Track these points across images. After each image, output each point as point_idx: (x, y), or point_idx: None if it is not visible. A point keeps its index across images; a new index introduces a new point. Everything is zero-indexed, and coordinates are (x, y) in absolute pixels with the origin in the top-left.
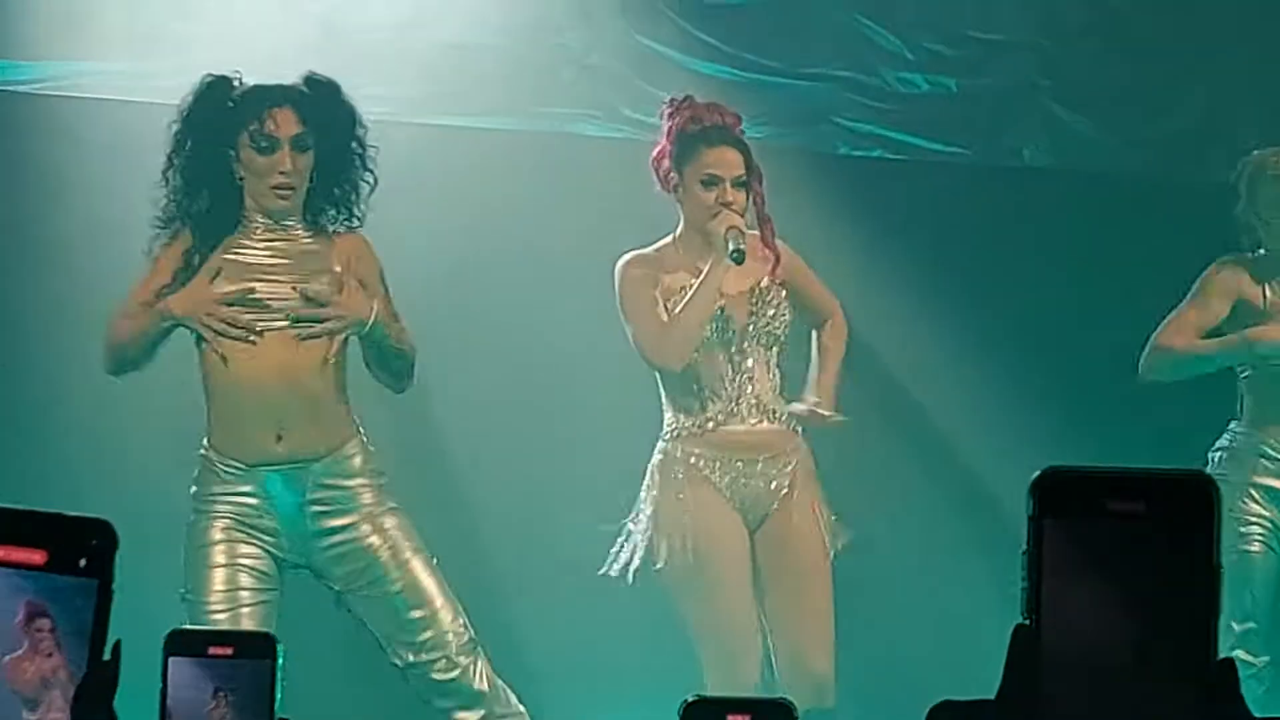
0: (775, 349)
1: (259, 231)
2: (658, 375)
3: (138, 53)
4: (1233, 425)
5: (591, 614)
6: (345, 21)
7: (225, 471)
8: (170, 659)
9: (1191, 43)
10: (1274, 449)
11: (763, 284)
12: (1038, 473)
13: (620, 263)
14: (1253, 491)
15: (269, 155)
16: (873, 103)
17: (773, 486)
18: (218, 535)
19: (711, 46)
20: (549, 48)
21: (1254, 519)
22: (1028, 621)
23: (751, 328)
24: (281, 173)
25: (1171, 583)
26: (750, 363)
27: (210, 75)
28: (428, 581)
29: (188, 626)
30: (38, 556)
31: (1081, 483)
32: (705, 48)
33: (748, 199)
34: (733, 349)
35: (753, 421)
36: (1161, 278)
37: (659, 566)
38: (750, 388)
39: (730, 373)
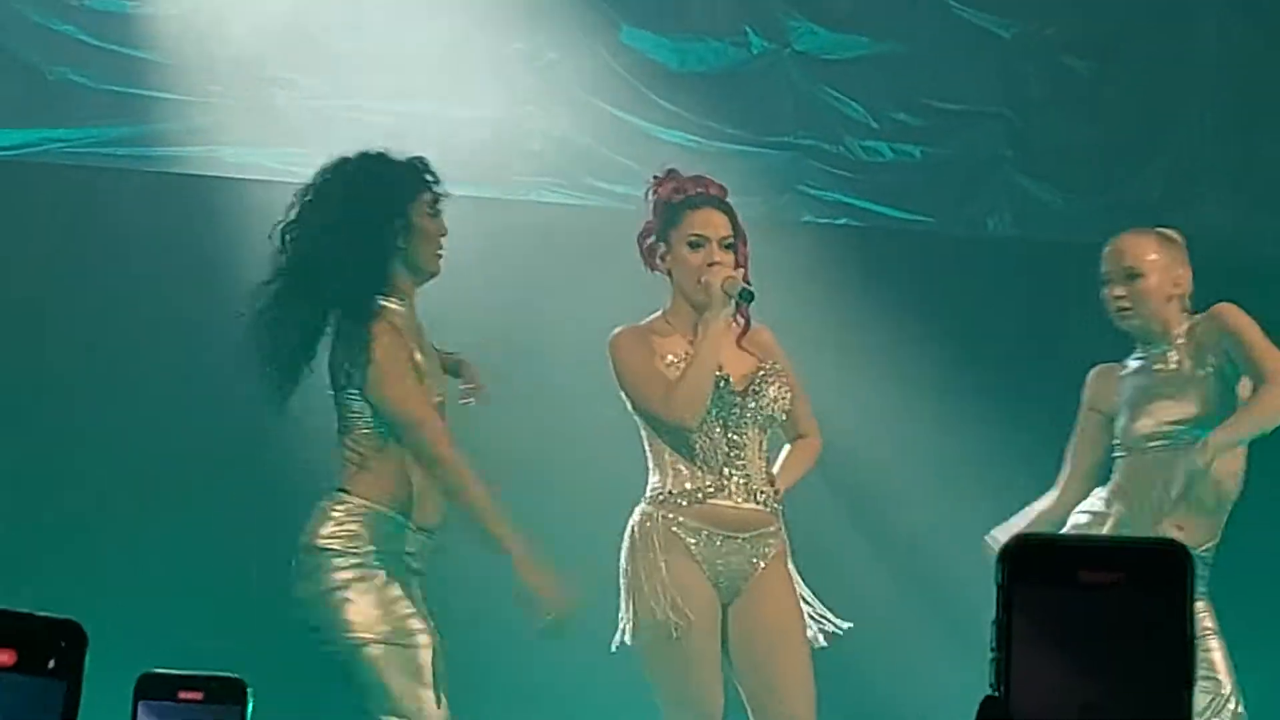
0: (769, 431)
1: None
2: (645, 439)
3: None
4: (1099, 492)
5: (567, 676)
6: (314, 87)
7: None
8: (140, 703)
9: (1154, 113)
10: (1131, 528)
11: (764, 367)
12: (1008, 540)
13: (612, 336)
14: None
15: (438, 219)
16: (838, 171)
17: (751, 565)
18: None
19: (677, 115)
20: (517, 117)
21: None
22: (996, 692)
23: (752, 406)
24: (442, 235)
25: (1143, 653)
26: (745, 442)
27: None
28: (423, 674)
29: (159, 670)
30: (5, 657)
31: (1052, 551)
32: (670, 116)
33: (736, 262)
34: (730, 426)
35: (738, 500)
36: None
37: (630, 630)
38: (743, 466)
39: (725, 449)
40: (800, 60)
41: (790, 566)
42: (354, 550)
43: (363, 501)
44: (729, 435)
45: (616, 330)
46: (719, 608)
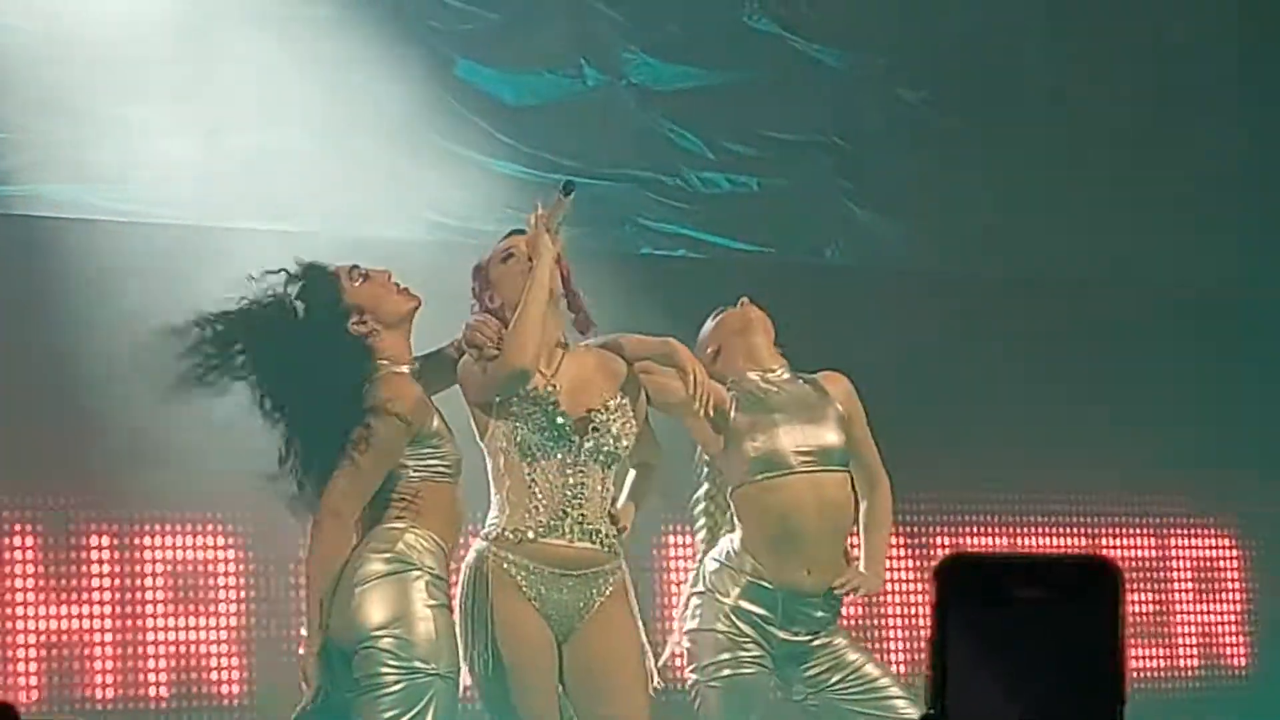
0: (613, 468)
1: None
2: (490, 471)
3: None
4: (729, 538)
5: None
6: (155, 126)
7: None
8: None
9: (985, 142)
10: (757, 575)
11: (610, 403)
12: (942, 560)
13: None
14: (741, 612)
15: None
16: (674, 202)
17: (585, 602)
18: None
19: (511, 147)
20: (351, 150)
21: (746, 640)
22: (933, 710)
23: (590, 445)
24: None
25: (1076, 668)
26: (585, 480)
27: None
28: None
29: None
30: None
31: (984, 569)
32: (506, 149)
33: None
34: (569, 465)
35: (573, 538)
36: (967, 373)
37: (467, 670)
38: (579, 505)
39: (563, 488)
40: (635, 92)
41: (632, 603)
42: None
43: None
44: (567, 474)
45: (461, 362)
46: (554, 645)
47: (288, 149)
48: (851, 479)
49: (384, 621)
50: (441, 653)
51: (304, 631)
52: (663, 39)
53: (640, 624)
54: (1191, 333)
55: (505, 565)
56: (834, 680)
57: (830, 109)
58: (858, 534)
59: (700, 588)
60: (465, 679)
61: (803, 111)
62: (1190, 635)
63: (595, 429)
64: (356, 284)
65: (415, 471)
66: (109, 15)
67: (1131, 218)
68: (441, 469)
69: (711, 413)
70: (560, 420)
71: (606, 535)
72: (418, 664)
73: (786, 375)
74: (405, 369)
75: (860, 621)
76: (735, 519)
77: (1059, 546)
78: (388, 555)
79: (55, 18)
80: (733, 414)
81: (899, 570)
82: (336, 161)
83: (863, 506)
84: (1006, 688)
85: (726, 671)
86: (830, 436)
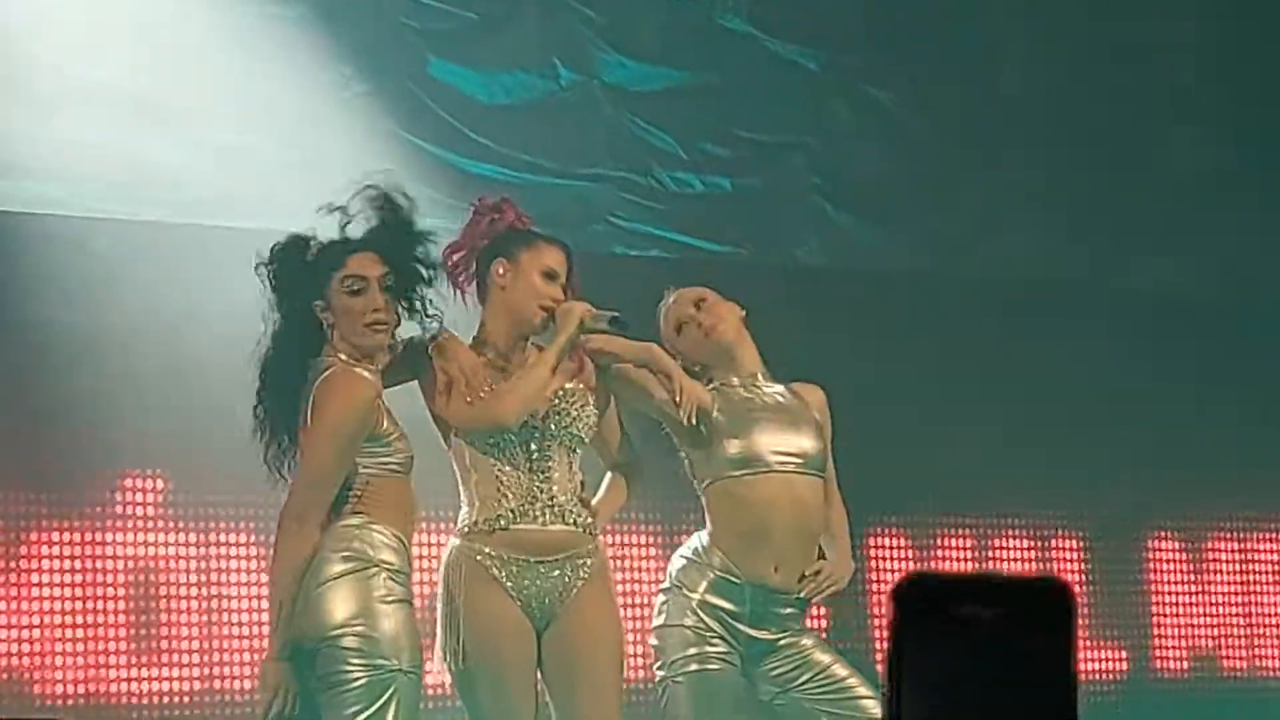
0: (578, 451)
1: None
2: (457, 472)
3: None
4: (699, 534)
5: None
6: (120, 122)
7: None
8: None
9: (958, 143)
10: (725, 570)
11: (566, 386)
12: (899, 580)
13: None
14: (709, 607)
15: (360, 296)
16: (647, 202)
17: (562, 588)
18: None
19: (486, 147)
20: (324, 150)
21: (714, 636)
22: None
23: (554, 427)
24: (374, 310)
25: (1029, 686)
26: (550, 464)
27: (289, 237)
28: None
29: None
30: None
31: (940, 589)
32: (480, 148)
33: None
34: (533, 449)
35: (545, 522)
36: (942, 369)
37: (442, 664)
38: (548, 489)
39: (530, 472)
40: (609, 92)
41: (610, 587)
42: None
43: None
44: (533, 459)
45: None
46: (533, 636)
47: (257, 147)
48: (825, 487)
49: (345, 619)
50: (403, 648)
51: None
52: (636, 39)
53: (618, 608)
54: (1169, 333)
55: (479, 558)
56: (802, 679)
57: (803, 109)
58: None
59: (668, 584)
60: (443, 674)
61: (775, 111)
62: None
63: (556, 412)
64: (349, 293)
65: (366, 468)
66: (84, 10)
67: (1109, 218)
68: (393, 465)
69: (694, 419)
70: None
71: (580, 516)
72: (379, 660)
73: (768, 382)
74: (362, 368)
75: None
76: (706, 515)
77: (1023, 551)
78: (345, 553)
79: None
80: (714, 414)
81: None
82: (308, 159)
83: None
84: (961, 705)
85: (694, 667)
86: (807, 442)
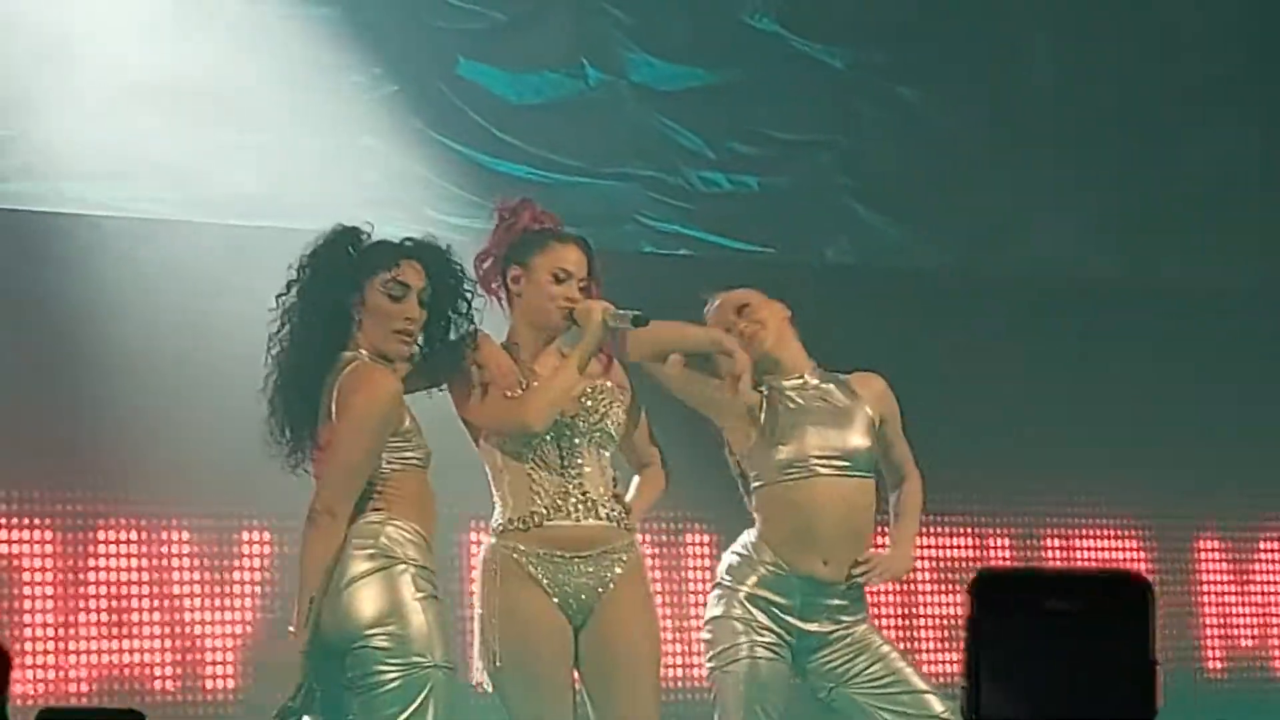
0: (608, 449)
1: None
2: (489, 473)
3: None
4: (748, 532)
5: None
6: (149, 124)
7: None
8: None
9: (985, 140)
10: (774, 564)
11: (596, 384)
12: (977, 573)
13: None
14: (757, 600)
15: (398, 302)
16: (675, 201)
17: (598, 583)
18: None
19: (514, 147)
20: (354, 149)
21: (761, 628)
22: (969, 718)
23: (583, 425)
24: (407, 318)
25: (1108, 678)
26: (581, 461)
27: (340, 226)
28: None
29: (59, 705)
30: None
31: (1018, 583)
32: (508, 148)
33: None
34: (563, 447)
35: (579, 518)
36: (968, 370)
37: (481, 664)
38: (580, 484)
39: (561, 470)
40: (637, 91)
41: (647, 582)
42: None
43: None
44: (564, 456)
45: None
46: (569, 633)
47: (290, 146)
48: (877, 484)
49: (375, 618)
50: (435, 644)
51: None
52: (664, 38)
53: (654, 604)
54: (1203, 330)
55: (515, 555)
56: (855, 673)
57: (831, 107)
58: (877, 537)
59: (719, 580)
60: (480, 673)
61: (803, 110)
62: None
63: (585, 410)
64: (388, 296)
65: (389, 463)
66: (108, 8)
67: (1138, 215)
68: (415, 460)
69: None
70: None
71: (613, 511)
72: (414, 658)
73: (817, 378)
74: (386, 363)
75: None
76: (755, 516)
77: (1064, 549)
78: (371, 551)
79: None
80: (762, 415)
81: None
82: (340, 159)
83: (893, 497)
84: (1039, 697)
85: (742, 655)
86: (856, 440)
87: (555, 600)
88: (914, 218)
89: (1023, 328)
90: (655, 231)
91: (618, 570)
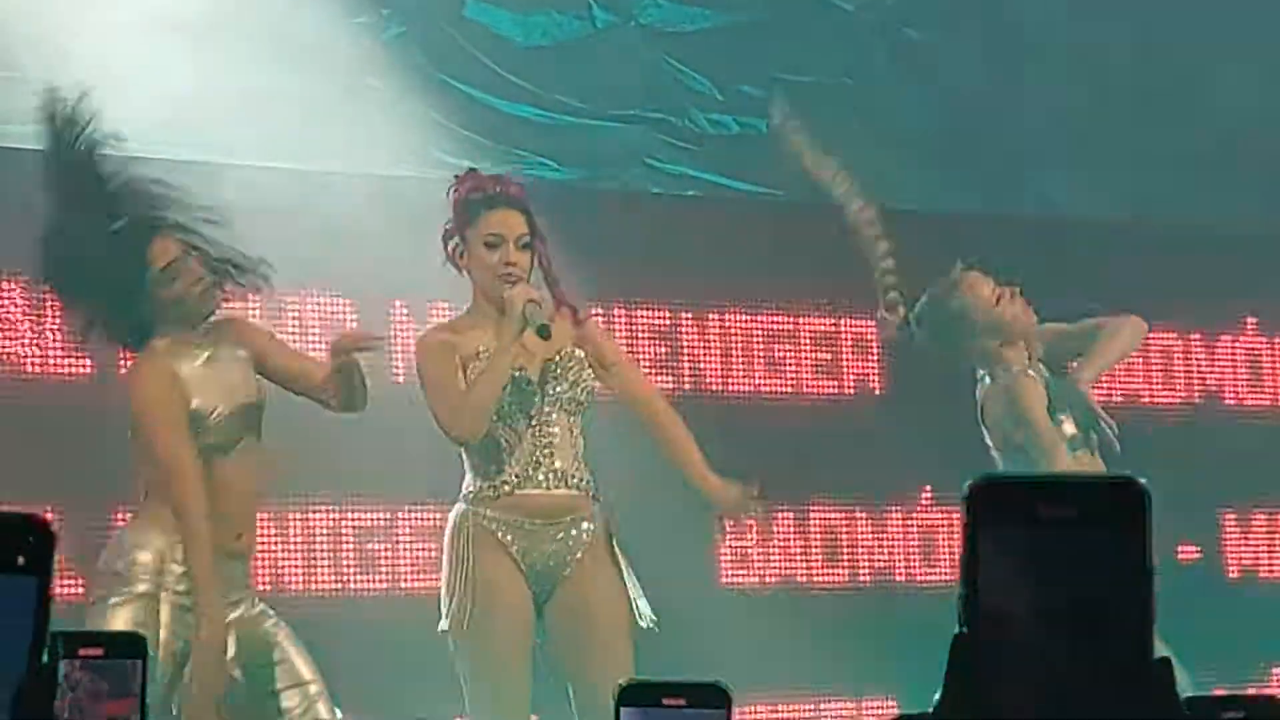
0: (579, 415)
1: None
2: None
3: None
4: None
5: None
6: (155, 64)
7: None
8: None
9: (996, 83)
10: None
11: (565, 351)
12: (971, 482)
13: (418, 340)
14: None
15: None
16: (684, 144)
17: (566, 551)
18: None
19: (522, 89)
20: (360, 92)
21: None
22: (965, 629)
23: (551, 393)
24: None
25: (1106, 585)
26: (552, 429)
27: None
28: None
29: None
30: None
31: (1013, 490)
32: (516, 90)
33: (532, 262)
34: (533, 415)
35: (548, 485)
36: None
37: (442, 628)
38: (549, 453)
39: (531, 440)
40: (645, 33)
41: (615, 549)
42: None
43: None
44: (533, 426)
45: (422, 334)
46: (531, 605)
47: (295, 88)
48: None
49: None
50: None
51: None
52: None
53: (625, 568)
54: (1208, 271)
55: (484, 522)
56: None
57: (839, 50)
58: None
59: None
60: (445, 620)
61: (812, 53)
62: None
63: (554, 378)
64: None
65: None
66: None
67: (1151, 159)
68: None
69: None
70: (517, 374)
71: (582, 480)
72: None
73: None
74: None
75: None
76: None
77: None
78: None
79: None
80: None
81: None
82: (345, 100)
83: None
84: (1036, 606)
85: None
86: (1069, 428)
87: (523, 569)
88: (923, 160)
89: (1037, 268)
90: (663, 174)
91: (584, 538)
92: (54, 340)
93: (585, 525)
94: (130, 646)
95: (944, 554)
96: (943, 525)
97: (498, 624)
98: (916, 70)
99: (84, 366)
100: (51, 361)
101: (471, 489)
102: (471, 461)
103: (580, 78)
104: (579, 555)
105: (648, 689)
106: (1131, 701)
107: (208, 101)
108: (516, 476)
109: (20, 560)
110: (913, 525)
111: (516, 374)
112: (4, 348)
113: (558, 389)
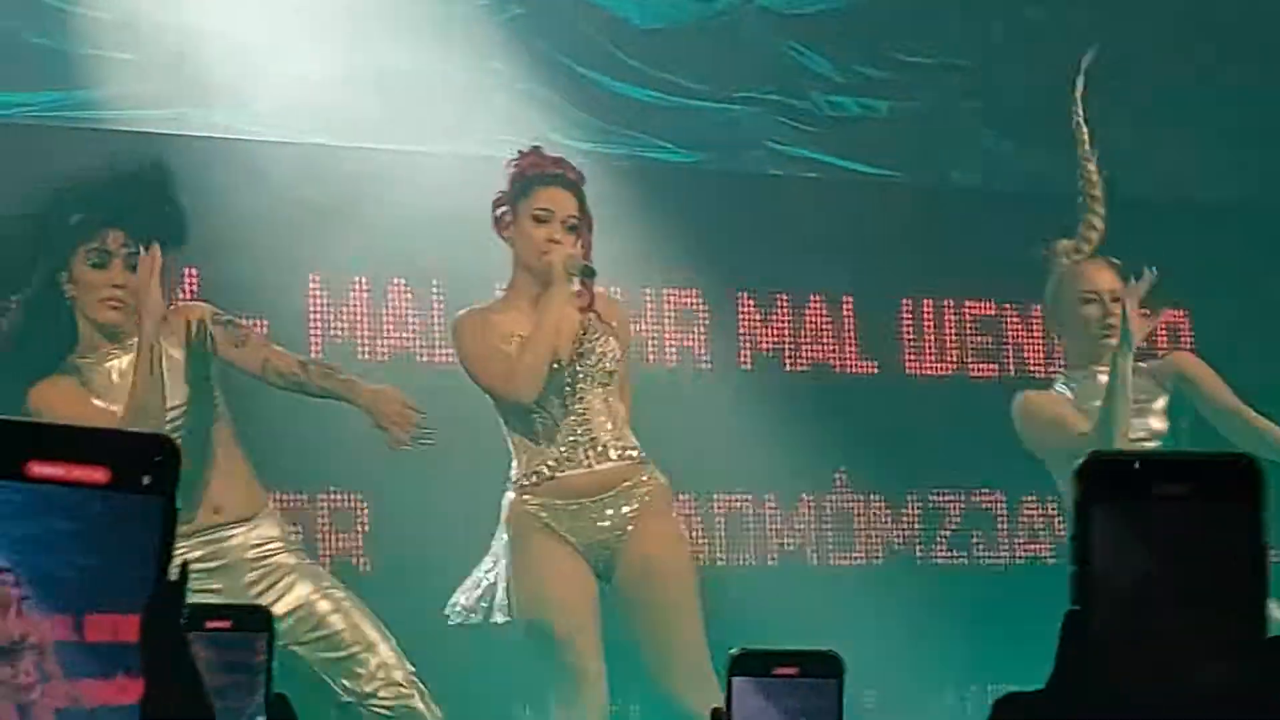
0: (610, 385)
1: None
2: (502, 423)
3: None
4: None
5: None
6: (283, 49)
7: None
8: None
9: (1117, 62)
10: None
11: (587, 323)
12: (1083, 459)
13: (454, 321)
14: None
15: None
16: (804, 126)
17: (620, 522)
18: None
19: (641, 71)
20: (481, 74)
21: None
22: (1078, 607)
23: (580, 368)
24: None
25: (1219, 563)
26: (584, 403)
27: None
28: (363, 620)
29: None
30: (100, 474)
31: (1127, 467)
32: (635, 73)
33: (576, 245)
34: (566, 392)
35: (590, 463)
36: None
37: (503, 620)
38: (587, 429)
39: (565, 416)
40: (764, 15)
41: (674, 513)
42: None
43: None
44: (567, 403)
45: (458, 314)
46: (593, 580)
47: (414, 69)
48: None
49: None
50: None
51: None
52: None
53: (682, 531)
54: None
55: (531, 509)
56: None
57: (959, 30)
58: None
59: None
60: (499, 613)
61: (931, 33)
62: None
63: (580, 353)
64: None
65: None
66: None
67: (1267, 133)
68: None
69: None
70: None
71: (626, 449)
72: None
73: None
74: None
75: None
76: None
77: None
78: None
79: None
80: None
81: None
82: (463, 82)
83: None
84: (1149, 583)
85: None
86: (1156, 424)
87: (579, 548)
88: (1041, 141)
89: (1158, 249)
90: (782, 156)
91: (637, 506)
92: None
93: (636, 493)
94: (257, 619)
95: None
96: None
97: (563, 605)
98: (1033, 49)
99: None
100: None
101: (518, 476)
102: (512, 445)
103: (699, 60)
104: (632, 525)
105: (759, 658)
106: (1247, 678)
107: (330, 84)
108: (556, 460)
109: (145, 480)
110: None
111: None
112: None
113: (585, 362)
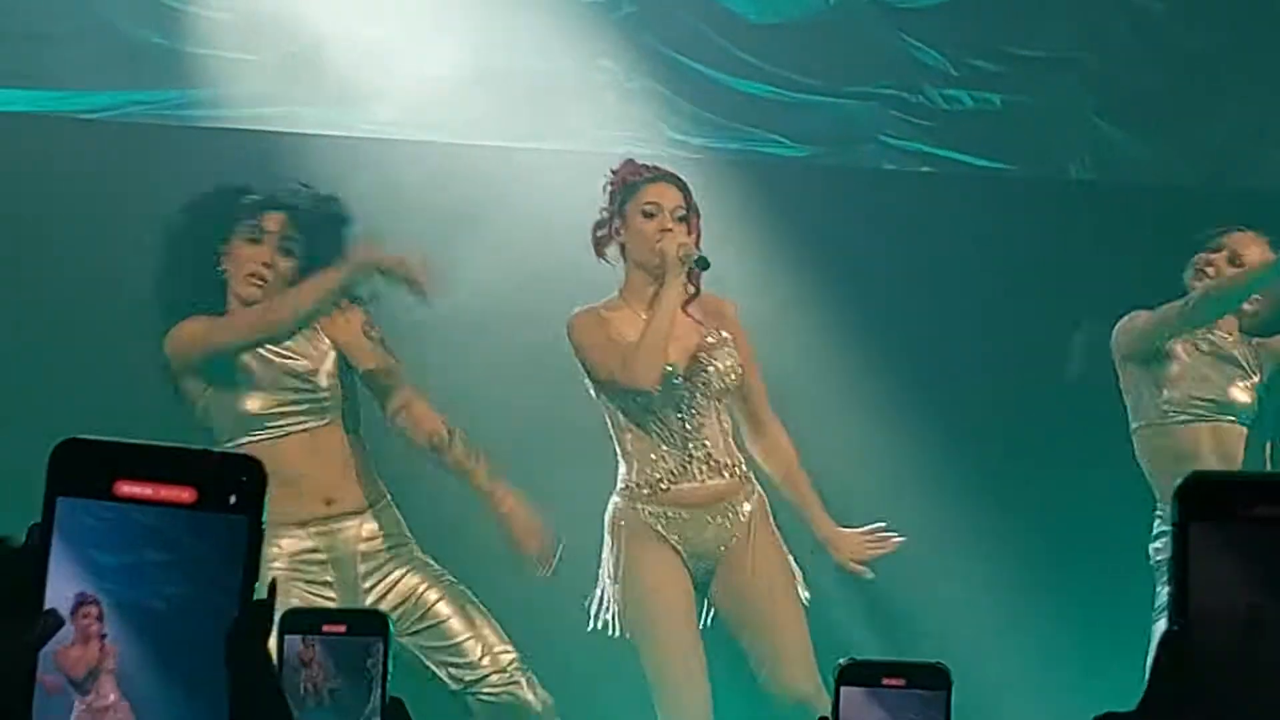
0: (724, 400)
1: None
2: (613, 431)
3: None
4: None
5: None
6: (398, 49)
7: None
8: (286, 637)
9: (1236, 54)
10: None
11: (708, 339)
12: (1182, 480)
13: (568, 319)
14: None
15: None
16: (918, 120)
17: (725, 534)
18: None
19: (754, 66)
20: (592, 71)
21: None
22: (1176, 627)
23: (702, 379)
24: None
25: None
26: (701, 418)
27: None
28: (470, 606)
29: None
30: (187, 494)
31: (1226, 488)
32: (748, 68)
33: (689, 234)
34: (682, 406)
35: (704, 478)
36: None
37: (614, 621)
38: (701, 445)
39: (682, 430)
40: (878, 9)
41: (773, 529)
42: None
43: None
44: (682, 415)
45: (572, 312)
46: (691, 590)
47: (528, 68)
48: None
49: None
50: None
51: None
52: None
53: (784, 547)
54: None
55: (643, 516)
56: None
57: (1074, 23)
58: None
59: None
60: (596, 619)
61: (1046, 26)
62: None
63: (700, 363)
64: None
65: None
66: None
67: None
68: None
69: None
70: (668, 368)
71: (735, 465)
72: None
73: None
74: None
75: None
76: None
77: None
78: None
79: None
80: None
81: None
82: (578, 81)
83: None
84: (1248, 604)
85: None
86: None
87: (682, 556)
88: (1159, 134)
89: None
90: (897, 150)
91: (741, 520)
92: None
93: (741, 507)
94: (373, 624)
95: None
96: None
97: (664, 614)
98: (1155, 43)
99: None
100: None
101: (627, 483)
102: (623, 451)
103: (813, 54)
104: (734, 539)
105: (868, 668)
106: None
107: (440, 84)
108: (672, 472)
109: (233, 499)
110: None
111: (668, 369)
112: None
113: (703, 374)
